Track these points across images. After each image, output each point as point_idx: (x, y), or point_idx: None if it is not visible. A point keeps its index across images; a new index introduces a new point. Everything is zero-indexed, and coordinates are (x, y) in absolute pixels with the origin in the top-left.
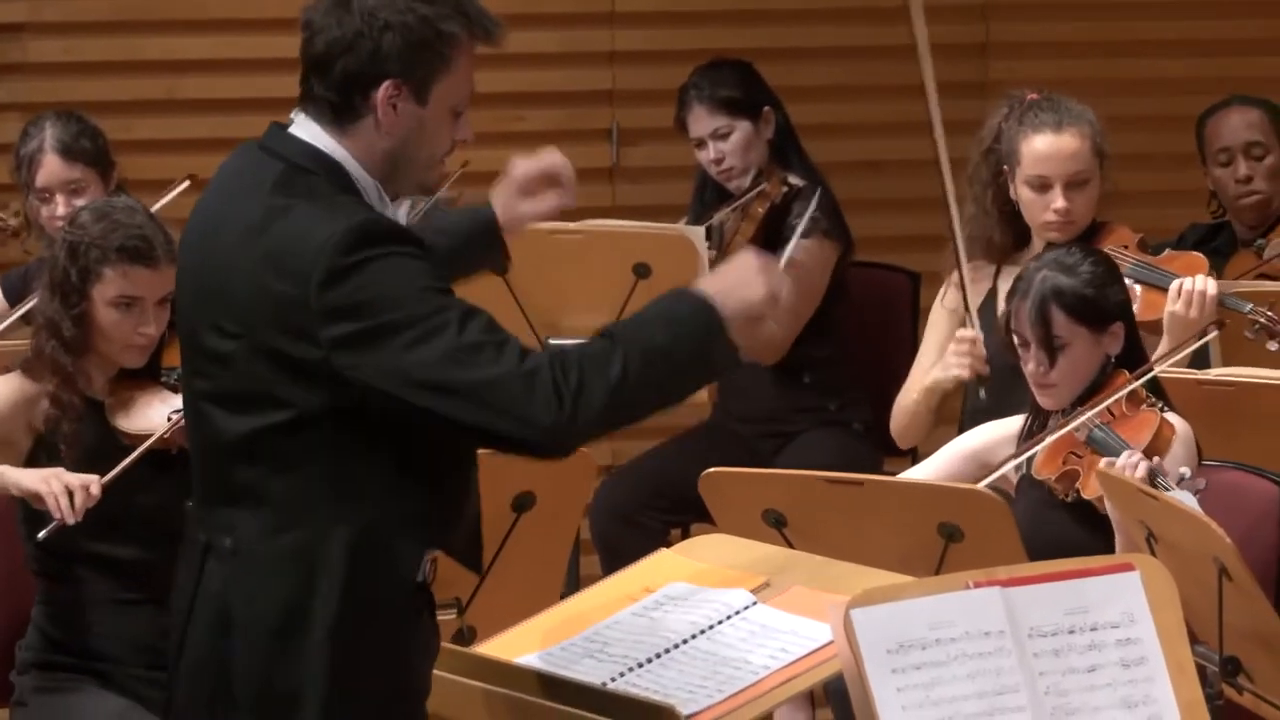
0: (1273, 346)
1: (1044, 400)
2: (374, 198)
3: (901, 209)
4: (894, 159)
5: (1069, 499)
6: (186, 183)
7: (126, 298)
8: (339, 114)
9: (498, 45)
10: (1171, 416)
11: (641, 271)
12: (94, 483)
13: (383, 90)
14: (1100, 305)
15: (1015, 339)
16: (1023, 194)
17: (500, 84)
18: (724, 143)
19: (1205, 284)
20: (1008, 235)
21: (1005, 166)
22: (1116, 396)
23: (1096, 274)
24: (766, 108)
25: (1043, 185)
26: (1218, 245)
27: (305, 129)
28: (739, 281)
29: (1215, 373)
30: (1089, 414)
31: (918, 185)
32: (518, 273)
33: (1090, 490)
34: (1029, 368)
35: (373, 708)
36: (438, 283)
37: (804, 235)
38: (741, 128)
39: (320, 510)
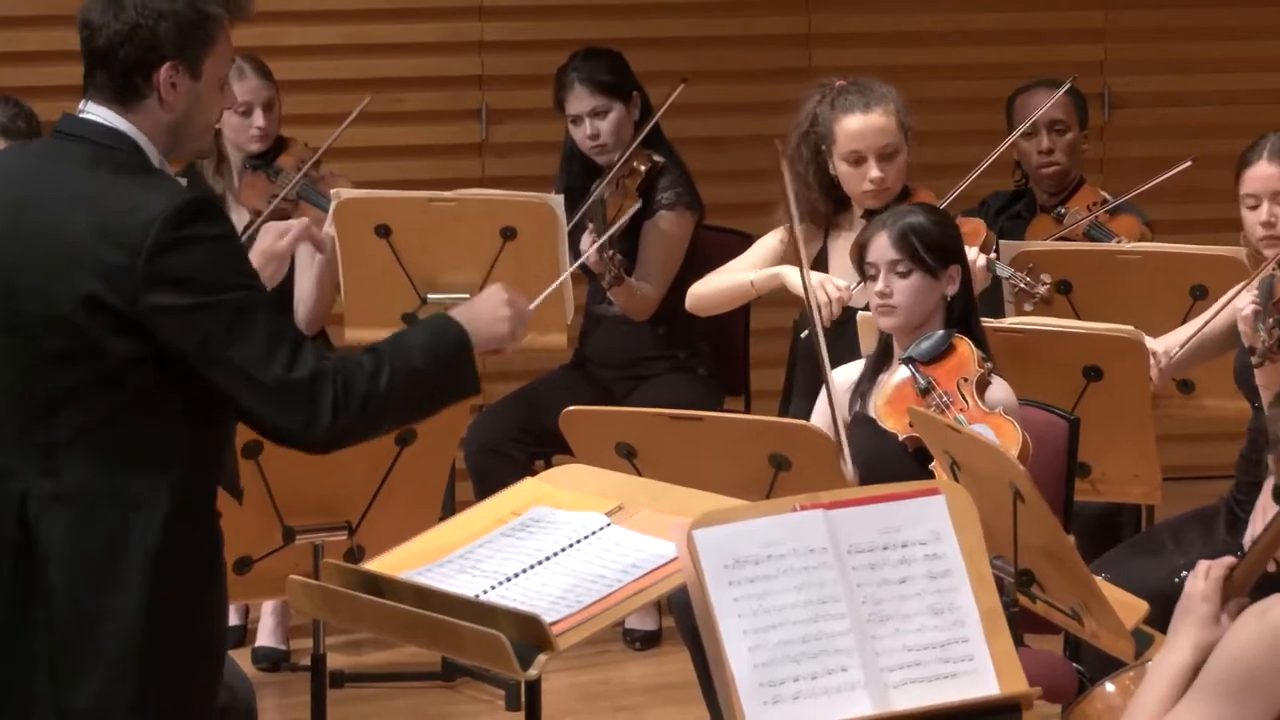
0: (1028, 307)
1: (884, 321)
2: (157, 164)
3: (737, 179)
4: (731, 135)
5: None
6: None
7: None
8: (125, 96)
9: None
10: (999, 387)
11: (508, 234)
12: None
13: (163, 72)
14: (943, 243)
15: (868, 268)
16: (841, 169)
17: (381, 70)
18: (601, 120)
19: (975, 256)
20: (829, 204)
21: (823, 147)
22: (960, 391)
23: (941, 221)
24: (635, 92)
25: (857, 159)
26: (1018, 210)
27: (97, 113)
28: (490, 318)
29: (1009, 322)
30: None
31: (751, 159)
32: (399, 236)
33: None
34: (876, 289)
35: (186, 637)
36: (247, 266)
37: (669, 208)
38: (617, 108)
39: (138, 457)
